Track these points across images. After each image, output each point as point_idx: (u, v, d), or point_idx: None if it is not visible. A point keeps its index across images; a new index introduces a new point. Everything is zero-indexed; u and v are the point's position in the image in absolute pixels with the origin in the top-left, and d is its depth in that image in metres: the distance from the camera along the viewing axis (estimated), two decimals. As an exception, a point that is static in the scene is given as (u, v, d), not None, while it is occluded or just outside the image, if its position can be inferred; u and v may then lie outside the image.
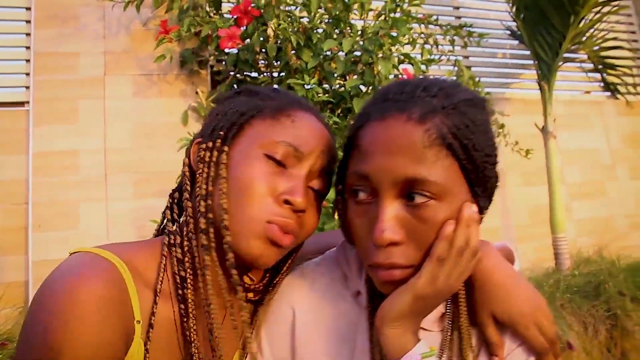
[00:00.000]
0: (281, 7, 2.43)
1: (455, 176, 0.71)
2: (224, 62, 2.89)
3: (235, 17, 2.44)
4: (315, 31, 2.49)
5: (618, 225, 3.93)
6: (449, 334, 0.80)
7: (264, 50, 2.58)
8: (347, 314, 0.87)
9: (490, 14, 4.07)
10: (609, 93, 4.30)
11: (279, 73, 2.68)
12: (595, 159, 4.01)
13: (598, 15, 3.54)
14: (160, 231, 0.92)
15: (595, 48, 3.97)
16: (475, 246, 0.74)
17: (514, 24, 3.67)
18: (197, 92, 2.78)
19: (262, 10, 2.43)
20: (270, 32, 2.48)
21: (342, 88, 2.52)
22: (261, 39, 2.55)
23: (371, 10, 2.69)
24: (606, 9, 3.55)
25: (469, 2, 4.04)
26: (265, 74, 2.74)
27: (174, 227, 0.84)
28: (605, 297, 2.75)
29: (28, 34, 2.78)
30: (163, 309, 0.77)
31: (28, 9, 2.80)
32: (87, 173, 2.59)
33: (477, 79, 3.26)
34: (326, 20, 2.57)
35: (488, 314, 0.79)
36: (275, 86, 2.38)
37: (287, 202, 0.78)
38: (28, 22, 2.79)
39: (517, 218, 3.66)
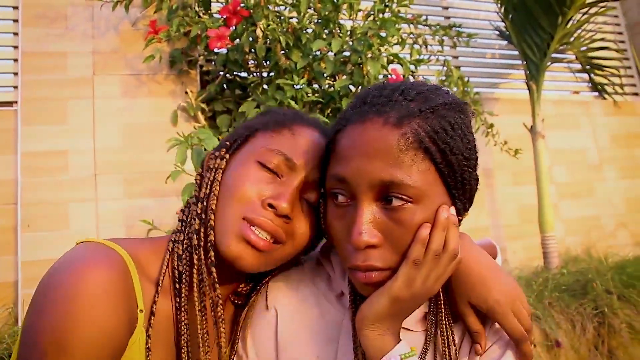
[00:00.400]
0: (270, 7, 2.43)
1: (432, 179, 0.72)
2: (213, 62, 2.89)
3: (224, 17, 2.44)
4: (304, 31, 2.49)
5: (605, 224, 3.98)
6: (432, 333, 0.81)
7: (253, 50, 2.58)
8: (331, 315, 0.88)
9: (480, 15, 4.10)
10: (596, 93, 4.34)
11: (269, 73, 2.69)
12: (583, 159, 4.05)
13: (586, 16, 3.58)
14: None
15: (583, 49, 4.01)
16: (454, 249, 0.74)
17: (503, 24, 3.70)
18: (186, 92, 2.77)
19: (251, 11, 2.44)
20: (259, 32, 2.48)
21: (332, 88, 2.53)
22: (250, 39, 2.56)
23: (360, 10, 2.70)
24: (593, 9, 3.59)
25: (457, 2, 4.07)
26: (254, 74, 2.74)
27: (181, 226, 0.88)
28: (592, 295, 2.78)
29: (16, 34, 2.77)
30: (163, 303, 0.80)
31: (15, 8, 2.79)
32: (76, 173, 2.58)
33: (466, 79, 3.28)
34: (315, 21, 2.58)
35: (466, 303, 0.80)
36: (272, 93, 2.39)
37: (270, 205, 0.80)
38: (16, 21, 2.78)
39: (506, 217, 3.69)
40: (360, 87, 2.56)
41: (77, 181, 2.58)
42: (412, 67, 2.82)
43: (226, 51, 2.67)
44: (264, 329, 0.89)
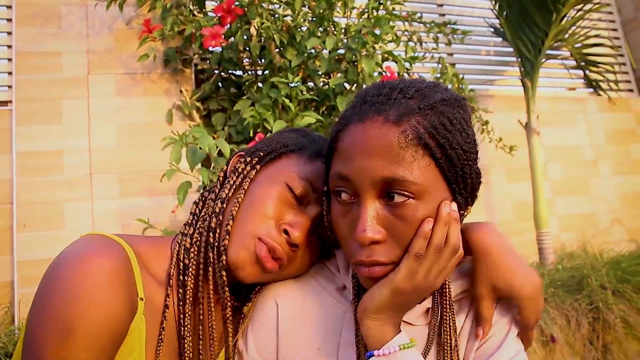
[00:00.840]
0: (264, 5, 2.43)
1: (433, 175, 0.73)
2: (208, 61, 2.89)
3: (218, 15, 2.44)
4: (298, 29, 2.49)
5: (601, 220, 3.99)
6: (435, 328, 0.83)
7: (247, 48, 2.58)
8: (333, 308, 0.89)
9: (474, 12, 4.10)
10: (591, 90, 4.36)
11: (263, 71, 2.69)
12: (578, 155, 4.07)
13: (580, 13, 3.59)
14: None
15: (578, 45, 4.03)
16: (455, 244, 0.76)
17: (498, 21, 3.71)
18: (181, 91, 2.78)
19: (245, 9, 2.44)
20: (253, 31, 2.49)
21: (326, 86, 2.53)
22: (245, 37, 2.56)
23: (354, 8, 2.70)
24: (588, 6, 3.60)
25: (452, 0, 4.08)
26: (249, 72, 2.75)
27: (192, 220, 0.90)
28: (587, 291, 2.80)
29: (9, 33, 2.77)
30: (162, 294, 0.83)
31: (9, 7, 2.79)
32: (71, 172, 2.59)
33: (460, 76, 3.29)
34: (310, 19, 2.58)
35: (489, 286, 0.82)
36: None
37: (285, 232, 0.83)
38: (9, 20, 2.78)
39: (501, 214, 3.70)
40: (355, 85, 2.57)
41: (73, 181, 2.58)
42: (406, 64, 2.83)
43: (221, 50, 2.67)
44: (265, 322, 0.90)
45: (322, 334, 0.88)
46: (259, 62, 2.67)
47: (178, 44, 2.77)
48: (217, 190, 0.91)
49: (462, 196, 0.78)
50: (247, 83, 2.60)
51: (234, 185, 0.88)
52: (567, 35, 3.81)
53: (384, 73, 2.58)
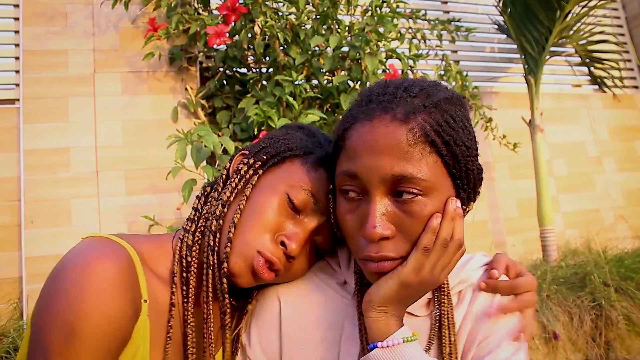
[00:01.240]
0: (268, 4, 2.44)
1: (440, 171, 0.75)
2: (212, 59, 2.91)
3: (223, 14, 2.46)
4: (302, 27, 2.51)
5: (605, 217, 3.99)
6: (436, 320, 0.85)
7: (252, 46, 2.60)
8: (335, 302, 0.91)
9: (478, 9, 4.10)
10: (596, 86, 4.34)
11: (268, 69, 2.71)
12: (582, 152, 4.07)
13: (585, 9, 3.58)
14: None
15: (583, 42, 4.01)
16: (459, 238, 0.78)
17: (502, 18, 3.71)
18: (186, 89, 2.79)
19: (249, 7, 2.45)
20: (257, 29, 2.50)
21: (330, 84, 2.55)
22: (249, 35, 2.57)
23: (358, 5, 2.71)
24: (593, 2, 3.59)
25: (457, -3, 4.07)
26: (254, 70, 2.76)
27: (194, 216, 0.91)
28: (590, 288, 2.80)
29: (17, 32, 2.79)
30: (165, 294, 0.84)
31: (16, 6, 2.81)
32: (78, 170, 2.61)
33: (464, 74, 3.29)
34: (314, 17, 2.59)
35: None
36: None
37: (282, 243, 0.84)
38: (16, 19, 2.80)
39: (505, 211, 3.71)
40: (359, 82, 2.58)
41: (79, 178, 2.61)
42: (410, 62, 2.84)
43: (225, 48, 2.69)
44: (268, 318, 0.92)
45: (324, 327, 0.89)
46: (263, 60, 2.68)
47: (183, 42, 2.79)
48: (219, 189, 0.91)
49: (465, 192, 0.80)
50: (251, 81, 2.62)
51: (236, 189, 0.88)
52: (572, 32, 3.80)
53: (387, 71, 2.59)
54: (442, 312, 0.85)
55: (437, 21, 3.45)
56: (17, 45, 2.78)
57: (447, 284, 0.87)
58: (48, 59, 2.69)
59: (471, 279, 0.90)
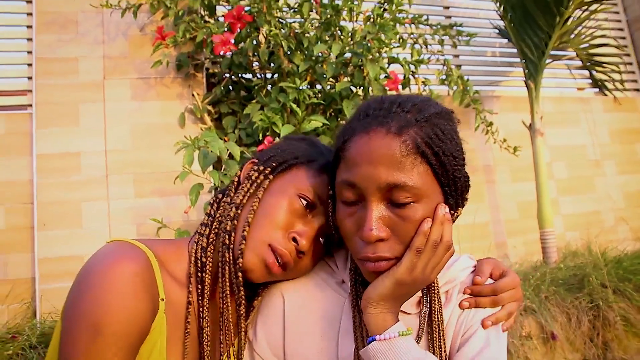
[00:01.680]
0: (272, 13, 2.51)
1: (430, 180, 0.83)
2: (219, 65, 2.99)
3: (228, 22, 2.53)
4: (306, 35, 2.58)
5: (605, 219, 4.04)
6: (425, 317, 0.93)
7: (257, 54, 2.67)
8: (333, 299, 0.99)
9: (480, 14, 4.15)
10: (597, 90, 4.39)
11: (272, 75, 2.78)
12: (583, 155, 4.11)
13: (586, 13, 3.62)
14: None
15: (584, 45, 4.06)
16: (448, 241, 0.86)
17: (503, 23, 3.75)
18: (193, 95, 2.87)
19: (254, 16, 2.53)
20: (262, 38, 2.57)
21: (333, 89, 2.61)
22: (254, 42, 2.65)
23: (361, 12, 2.78)
24: (594, 6, 3.63)
25: (458, 2, 4.12)
26: (259, 74, 2.84)
27: (207, 220, 0.99)
28: (588, 289, 2.86)
29: (29, 39, 2.88)
30: (180, 294, 0.92)
31: (29, 14, 2.90)
32: (89, 174, 2.70)
33: (466, 78, 3.34)
34: (317, 25, 2.66)
35: None
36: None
37: (294, 239, 0.93)
38: (29, 27, 2.89)
39: (506, 213, 3.76)
40: (361, 88, 2.65)
41: (90, 181, 2.69)
42: (412, 67, 2.90)
43: (231, 55, 2.76)
44: (272, 314, 1.01)
45: (324, 322, 0.98)
46: (269, 66, 2.75)
47: (190, 50, 2.87)
48: (231, 195, 1.00)
49: (453, 198, 0.88)
50: (256, 87, 2.69)
51: (249, 193, 0.97)
52: (572, 36, 3.85)
53: (387, 77, 2.65)
54: (432, 309, 0.93)
55: (439, 26, 3.51)
56: (29, 52, 2.87)
57: (437, 283, 0.94)
58: (60, 66, 2.78)
59: (458, 279, 0.97)
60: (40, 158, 2.66)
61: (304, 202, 0.95)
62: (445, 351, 0.92)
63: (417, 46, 3.37)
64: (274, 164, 0.99)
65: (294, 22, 2.66)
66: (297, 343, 0.97)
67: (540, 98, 3.53)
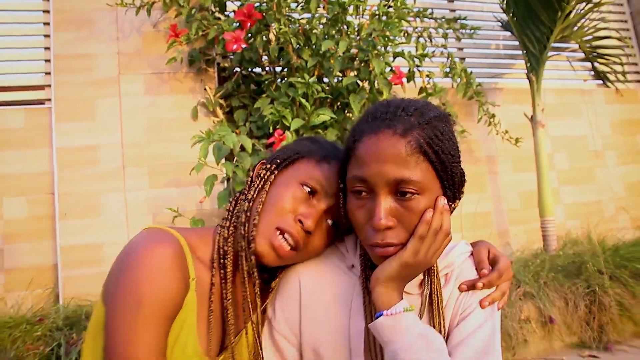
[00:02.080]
0: (282, 11, 2.61)
1: (431, 175, 0.95)
2: (229, 59, 3.09)
3: (239, 19, 2.62)
4: (313, 32, 2.67)
5: (606, 208, 4.13)
6: (427, 297, 1.05)
7: (267, 49, 2.77)
8: (345, 282, 1.12)
9: (483, 7, 4.22)
10: (600, 81, 4.45)
11: (282, 70, 2.89)
12: (584, 146, 4.20)
13: (590, 6, 3.68)
14: None
15: (587, 37, 4.11)
16: (447, 228, 0.98)
17: (506, 16, 3.82)
18: (205, 89, 2.99)
19: (264, 14, 2.62)
20: (272, 36, 2.67)
21: (340, 83, 2.71)
22: (264, 38, 2.75)
23: (367, 7, 2.87)
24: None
25: (462, -5, 4.19)
26: (268, 68, 2.94)
27: (228, 215, 1.13)
28: (585, 275, 2.97)
29: (47, 36, 2.99)
30: (207, 275, 1.05)
31: (46, 11, 3.01)
32: (106, 166, 2.83)
33: (469, 71, 3.42)
34: (324, 21, 2.75)
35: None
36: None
37: (300, 221, 1.05)
38: (46, 24, 3.00)
39: (508, 202, 3.87)
40: (367, 82, 2.75)
41: (107, 173, 2.82)
42: (416, 61, 2.99)
43: (242, 50, 2.85)
44: (290, 295, 1.13)
45: (336, 302, 1.10)
46: (278, 61, 2.85)
47: (202, 45, 2.97)
48: (245, 192, 1.14)
49: (451, 191, 1.00)
50: (266, 82, 2.79)
51: (258, 188, 1.10)
52: (576, 28, 3.91)
53: (392, 72, 2.74)
54: (433, 289, 1.05)
55: (443, 19, 3.58)
56: (47, 48, 2.99)
57: (437, 267, 1.06)
58: (77, 62, 2.90)
59: (456, 263, 1.09)
60: (60, 151, 2.79)
61: (307, 189, 1.07)
62: (444, 327, 1.04)
63: (421, 40, 3.46)
64: (279, 161, 1.12)
65: (301, 18, 2.76)
66: (312, 321, 1.10)
67: (541, 90, 3.61)
